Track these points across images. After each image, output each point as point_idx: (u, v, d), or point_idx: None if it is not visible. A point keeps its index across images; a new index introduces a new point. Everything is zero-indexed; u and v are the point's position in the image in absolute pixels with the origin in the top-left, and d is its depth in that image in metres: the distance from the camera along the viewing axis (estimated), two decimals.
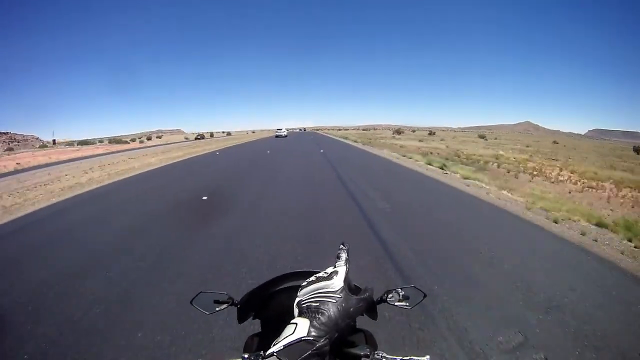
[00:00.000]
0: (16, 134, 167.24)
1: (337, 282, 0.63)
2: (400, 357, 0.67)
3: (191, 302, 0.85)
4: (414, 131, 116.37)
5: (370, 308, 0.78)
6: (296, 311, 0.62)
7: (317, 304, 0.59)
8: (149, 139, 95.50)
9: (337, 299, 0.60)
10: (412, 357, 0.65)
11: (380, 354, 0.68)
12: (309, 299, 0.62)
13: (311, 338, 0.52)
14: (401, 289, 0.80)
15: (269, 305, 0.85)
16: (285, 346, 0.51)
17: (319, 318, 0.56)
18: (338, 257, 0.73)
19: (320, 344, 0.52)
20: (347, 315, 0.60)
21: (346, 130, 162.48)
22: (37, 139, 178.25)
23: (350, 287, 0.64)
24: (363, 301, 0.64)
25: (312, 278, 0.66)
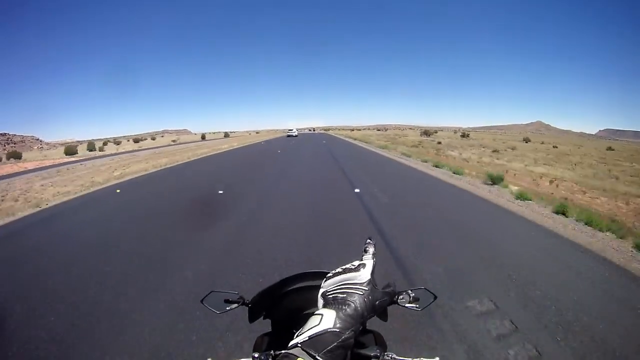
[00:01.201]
0: (15, 135, 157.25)
1: (365, 275, 0.60)
2: (410, 359, 0.65)
3: (202, 301, 0.83)
4: (436, 132, 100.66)
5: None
6: (321, 302, 0.60)
7: (344, 295, 0.57)
8: (136, 141, 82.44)
9: (364, 291, 0.58)
10: (421, 359, 0.64)
11: (390, 355, 0.67)
12: (335, 289, 0.59)
13: (337, 330, 0.50)
14: (411, 290, 0.77)
15: (280, 305, 0.83)
16: (310, 337, 0.49)
17: (345, 310, 0.54)
18: (365, 251, 0.71)
19: (346, 336, 0.50)
20: (373, 308, 0.58)
21: (359, 130, 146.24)
22: (37, 140, 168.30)
23: (375, 281, 0.63)
24: (388, 295, 0.63)
25: (339, 269, 0.64)
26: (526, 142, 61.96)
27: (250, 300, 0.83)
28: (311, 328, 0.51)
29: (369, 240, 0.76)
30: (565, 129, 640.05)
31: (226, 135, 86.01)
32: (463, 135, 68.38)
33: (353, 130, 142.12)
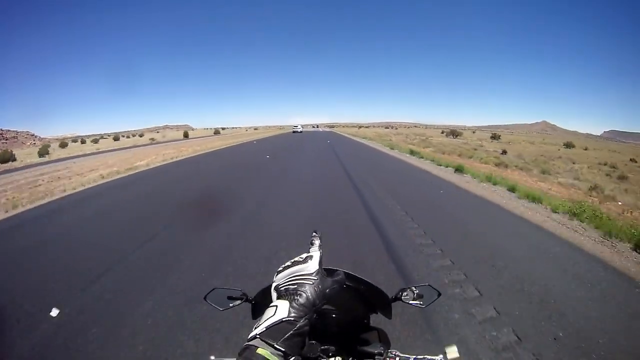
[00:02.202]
0: (8, 130, 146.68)
1: (313, 266, 0.62)
2: (414, 356, 0.65)
3: (205, 298, 0.81)
4: (443, 132, 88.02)
5: (385, 307, 0.76)
6: (274, 295, 0.60)
7: (295, 286, 0.58)
8: (115, 139, 71.66)
9: (313, 280, 0.59)
10: (425, 356, 0.64)
11: (394, 352, 0.67)
12: (286, 282, 0.60)
13: (292, 318, 0.52)
14: (415, 287, 0.76)
15: None
16: (267, 328, 0.50)
17: (297, 299, 0.55)
18: (312, 244, 0.73)
19: (300, 324, 0.52)
20: (324, 296, 0.59)
21: (366, 128, 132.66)
22: (32, 135, 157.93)
23: (323, 270, 0.64)
24: (337, 283, 0.62)
25: (288, 263, 0.65)
26: (569, 148, 50.26)
27: (253, 297, 0.80)
28: (268, 319, 0.52)
29: (314, 234, 0.76)
30: (571, 129, 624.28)
31: (216, 132, 74.68)
32: (494, 137, 56.67)
33: (360, 127, 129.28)
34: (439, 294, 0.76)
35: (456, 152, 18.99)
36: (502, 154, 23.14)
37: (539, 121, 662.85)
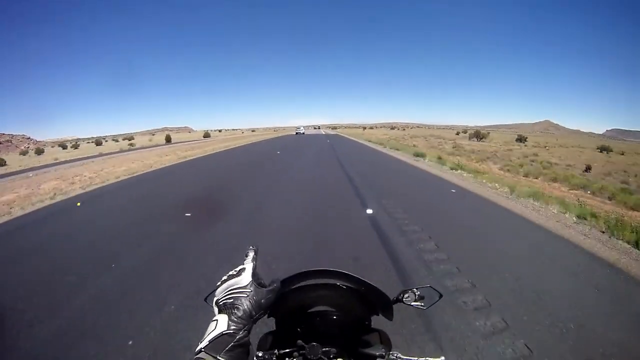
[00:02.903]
0: (3, 133, 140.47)
1: (246, 278, 0.63)
2: (416, 358, 0.65)
3: (205, 300, 0.79)
4: (458, 133, 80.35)
5: (386, 308, 0.76)
6: (216, 310, 0.62)
7: (232, 300, 0.60)
8: (98, 143, 64.78)
9: (248, 292, 0.61)
10: (427, 358, 0.64)
11: (395, 354, 0.67)
12: (224, 296, 0.62)
13: (231, 331, 0.54)
14: (417, 289, 0.76)
15: (283, 304, 0.78)
16: (210, 341, 0.52)
17: (235, 313, 0.58)
18: (246, 256, 0.73)
19: (240, 336, 0.54)
20: (259, 306, 0.60)
21: (371, 129, 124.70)
22: (28, 138, 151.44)
23: (260, 282, 0.65)
24: (272, 292, 0.64)
25: (224, 277, 0.66)
26: (605, 151, 42.96)
27: None
28: (210, 333, 0.54)
29: (250, 247, 0.76)
30: (574, 128, 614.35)
31: (206, 135, 67.86)
32: (519, 139, 49.48)
33: (365, 128, 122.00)
34: (441, 296, 0.74)
35: (546, 174, 11.94)
36: (585, 171, 16.16)
37: (541, 120, 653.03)
